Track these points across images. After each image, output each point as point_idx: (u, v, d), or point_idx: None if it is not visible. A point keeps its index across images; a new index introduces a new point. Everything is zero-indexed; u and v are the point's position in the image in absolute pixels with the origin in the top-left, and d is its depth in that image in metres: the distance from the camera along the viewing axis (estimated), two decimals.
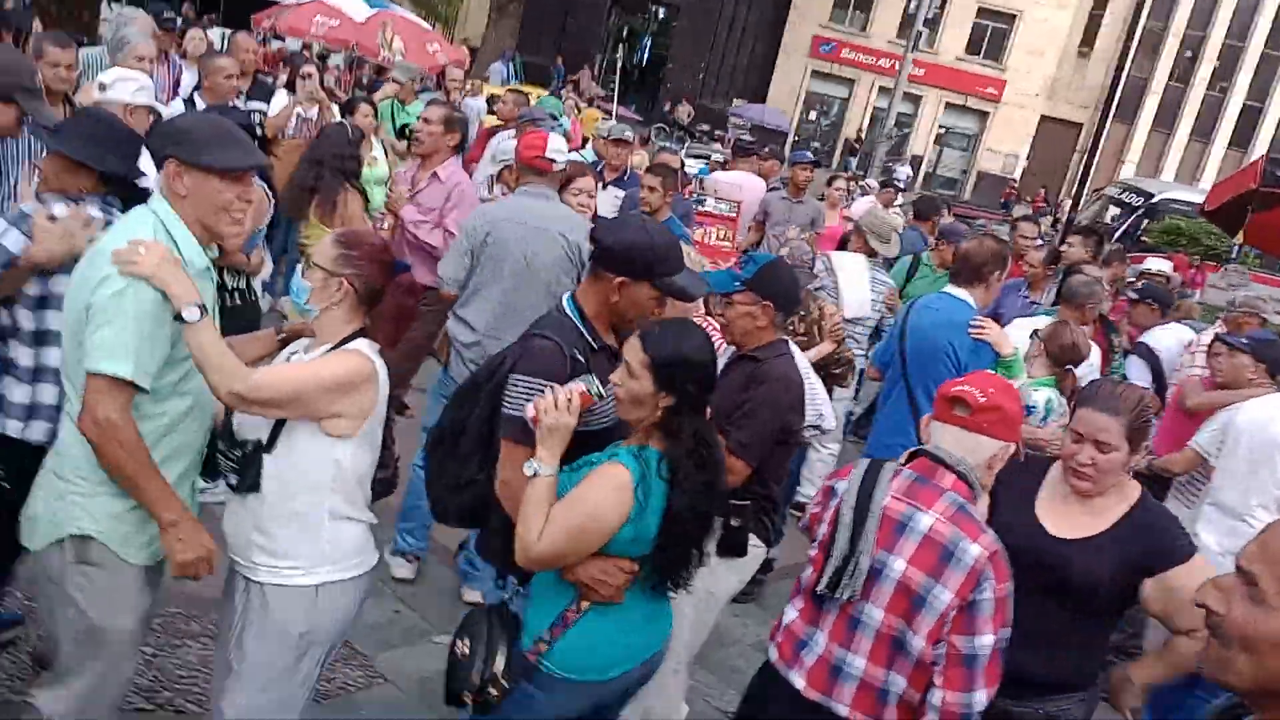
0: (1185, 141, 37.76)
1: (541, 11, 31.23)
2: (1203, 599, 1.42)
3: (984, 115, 35.54)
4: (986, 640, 2.35)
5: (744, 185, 8.53)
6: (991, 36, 34.59)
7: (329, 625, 2.59)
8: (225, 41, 9.83)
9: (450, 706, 2.56)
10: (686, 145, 20.04)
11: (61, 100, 4.93)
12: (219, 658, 2.70)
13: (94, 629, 2.51)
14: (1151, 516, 2.73)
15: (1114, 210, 20.13)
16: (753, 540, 3.34)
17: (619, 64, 21.99)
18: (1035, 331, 4.61)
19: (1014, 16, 34.14)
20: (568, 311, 2.74)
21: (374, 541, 2.71)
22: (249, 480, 2.48)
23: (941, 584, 2.37)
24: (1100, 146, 28.59)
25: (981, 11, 34.16)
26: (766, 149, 10.35)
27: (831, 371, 4.99)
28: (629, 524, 2.34)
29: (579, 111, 14.76)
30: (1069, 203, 18.59)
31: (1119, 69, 16.18)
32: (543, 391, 2.42)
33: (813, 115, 35.68)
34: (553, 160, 4.22)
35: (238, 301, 4.48)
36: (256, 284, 4.71)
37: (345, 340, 2.54)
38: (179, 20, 8.27)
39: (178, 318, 2.32)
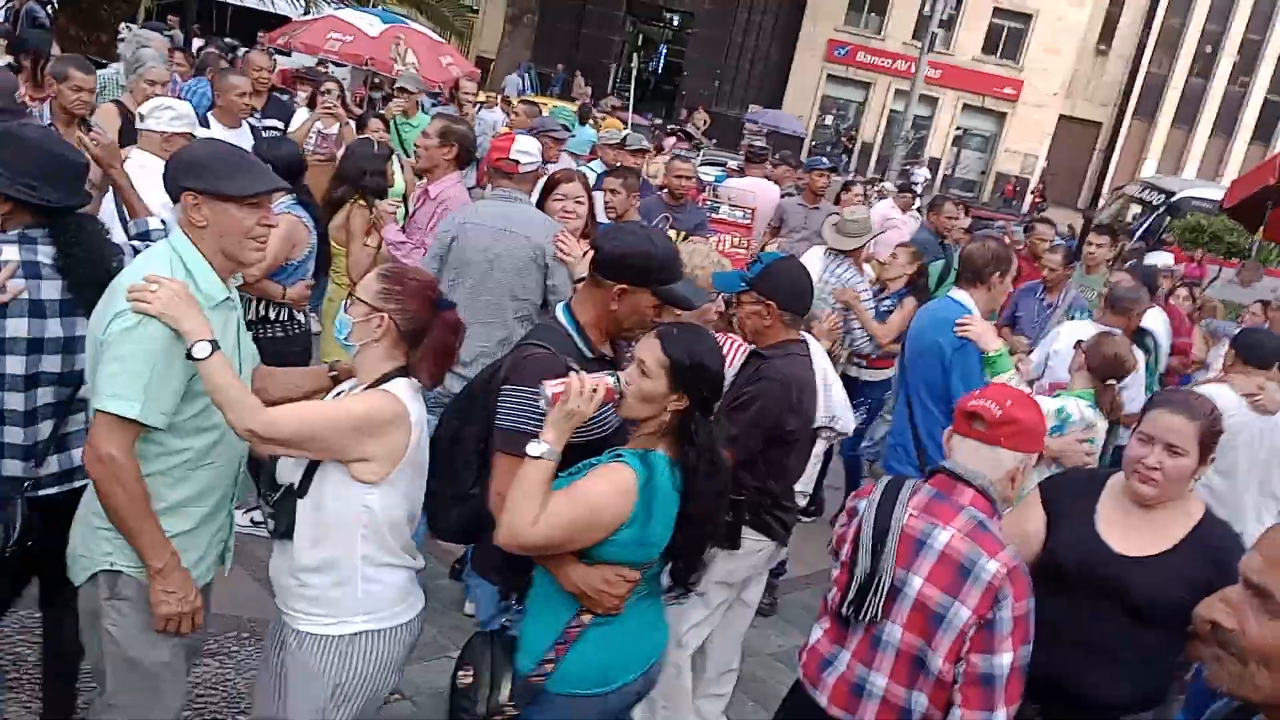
0: (1206, 138, 37.43)
1: (556, 22, 31.36)
2: (1210, 615, 1.39)
3: (1002, 116, 35.33)
4: (1005, 659, 2.32)
5: (757, 192, 8.52)
6: (1008, 36, 34.39)
7: (366, 677, 2.49)
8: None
9: None
10: (701, 152, 19.99)
11: (78, 122, 5.00)
12: (260, 700, 2.67)
13: (131, 661, 2.51)
14: (1218, 534, 2.66)
15: (1135, 209, 19.97)
16: (754, 535, 3.38)
17: (634, 73, 22.02)
18: (1079, 341, 4.50)
19: (1030, 16, 33.93)
20: (562, 320, 2.72)
21: (419, 587, 2.62)
22: (282, 525, 2.44)
23: (959, 601, 2.35)
24: (1120, 145, 28.45)
25: (998, 11, 33.98)
26: (777, 156, 10.32)
27: None
28: (629, 527, 2.31)
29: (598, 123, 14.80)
30: (1083, 196, 18.45)
31: (1136, 66, 16.06)
32: (535, 402, 2.38)
33: (829, 120, 35.58)
34: (517, 161, 4.20)
35: (278, 334, 4.50)
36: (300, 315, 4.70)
37: (383, 379, 2.46)
38: (183, 39, 8.32)
39: (189, 354, 2.29)
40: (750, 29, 33.68)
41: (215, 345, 2.30)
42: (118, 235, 3.30)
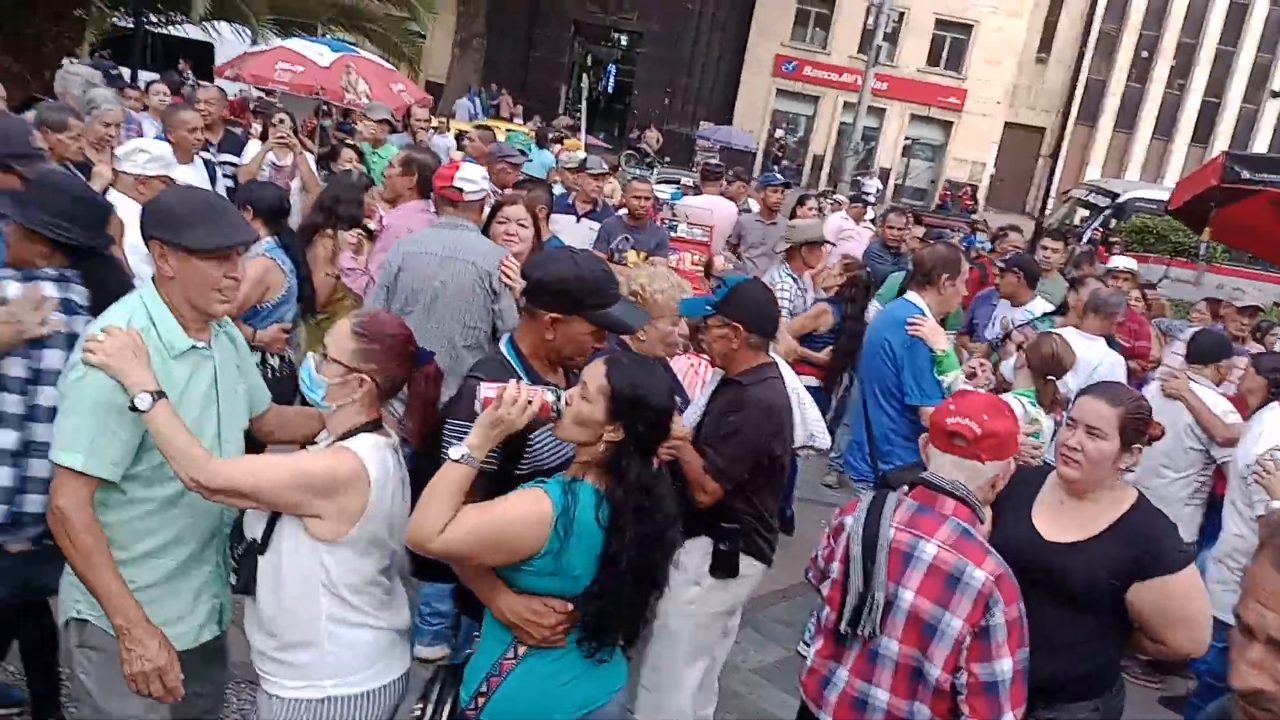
0: (1148, 140, 38.26)
1: (504, 46, 31.37)
2: (1247, 684, 1.35)
3: (948, 125, 35.88)
4: (1005, 665, 2.36)
5: (715, 209, 8.59)
6: (951, 47, 34.97)
7: None
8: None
9: None
10: (656, 171, 20.11)
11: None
12: None
13: (99, 710, 2.46)
14: (1145, 522, 2.72)
15: (1082, 212, 20.36)
16: (749, 561, 3.36)
17: (584, 93, 22.10)
18: (1020, 344, 4.66)
19: (971, 26, 34.55)
20: (504, 353, 2.68)
21: (405, 647, 2.52)
22: (243, 580, 2.37)
23: (951, 612, 2.39)
24: (1064, 150, 29.00)
25: (939, 23, 34.55)
26: (731, 173, 10.42)
27: None
28: (542, 557, 2.23)
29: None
30: (1030, 201, 18.76)
31: (1076, 73, 16.41)
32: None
33: (779, 134, 35.93)
34: (460, 189, 4.19)
35: (268, 375, 4.41)
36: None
37: (350, 433, 2.36)
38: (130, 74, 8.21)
39: (131, 405, 2.23)
40: (699, 47, 33.93)
41: (159, 396, 2.24)
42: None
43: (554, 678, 2.35)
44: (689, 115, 33.50)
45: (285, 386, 4.48)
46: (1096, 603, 2.67)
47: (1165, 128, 38.13)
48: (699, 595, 3.35)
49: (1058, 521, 2.77)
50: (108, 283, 2.81)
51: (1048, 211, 23.90)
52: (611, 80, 35.10)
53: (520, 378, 2.44)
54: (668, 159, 26.85)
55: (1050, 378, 4.48)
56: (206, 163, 6.22)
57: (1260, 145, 36.69)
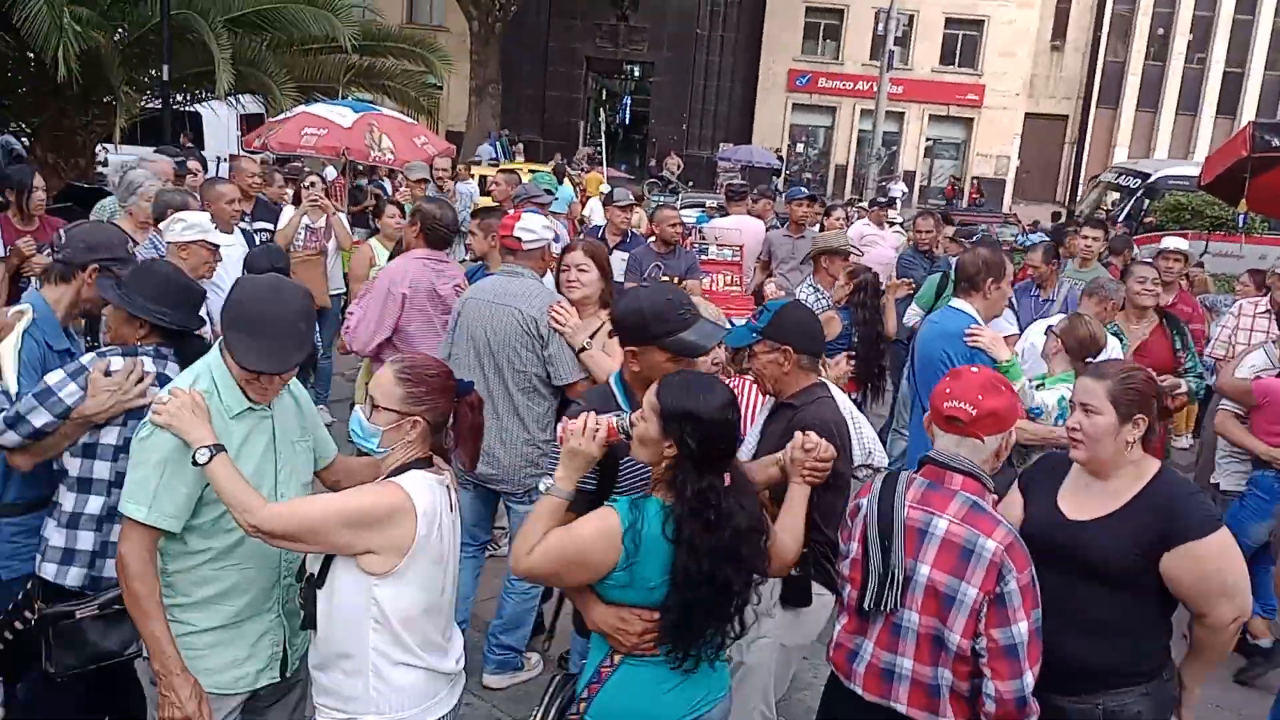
0: (1172, 118, 37.77)
1: (519, 89, 31.79)
2: None
3: (969, 122, 35.70)
4: (1023, 627, 2.49)
5: (743, 229, 8.62)
6: (964, 44, 34.87)
7: None
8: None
9: None
10: (681, 197, 20.21)
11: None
12: None
13: None
14: (1168, 491, 2.71)
15: (1113, 195, 20.13)
16: (818, 589, 3.27)
17: (602, 127, 22.33)
18: (1049, 328, 4.61)
19: (982, 22, 34.44)
20: (610, 383, 2.97)
21: (450, 690, 2.59)
22: (306, 616, 2.49)
23: (967, 582, 2.51)
24: (1088, 135, 28.77)
25: (949, 21, 34.49)
26: (755, 190, 10.45)
27: None
28: (618, 570, 2.38)
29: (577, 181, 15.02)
30: (1059, 189, 18.56)
31: (1094, 57, 16.30)
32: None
33: (800, 147, 35.96)
34: (519, 239, 4.26)
35: None
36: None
37: (399, 470, 2.47)
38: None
39: (194, 460, 2.42)
40: (711, 70, 34.14)
41: (217, 449, 2.42)
42: None
43: (655, 684, 2.48)
44: (708, 139, 33.67)
45: None
46: (1129, 579, 2.66)
47: (1189, 103, 37.63)
48: (771, 628, 3.28)
49: (1082, 501, 2.79)
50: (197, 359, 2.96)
51: (1078, 198, 23.66)
52: (627, 112, 35.37)
53: (621, 407, 2.72)
54: (690, 183, 26.97)
55: (1088, 359, 4.43)
56: (244, 232, 6.37)
57: None
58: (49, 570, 2.96)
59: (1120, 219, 16.76)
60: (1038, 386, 4.38)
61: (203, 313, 3.53)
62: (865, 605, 2.65)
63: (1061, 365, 4.42)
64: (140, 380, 2.92)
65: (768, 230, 8.73)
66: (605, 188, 9.20)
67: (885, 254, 8.89)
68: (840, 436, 3.17)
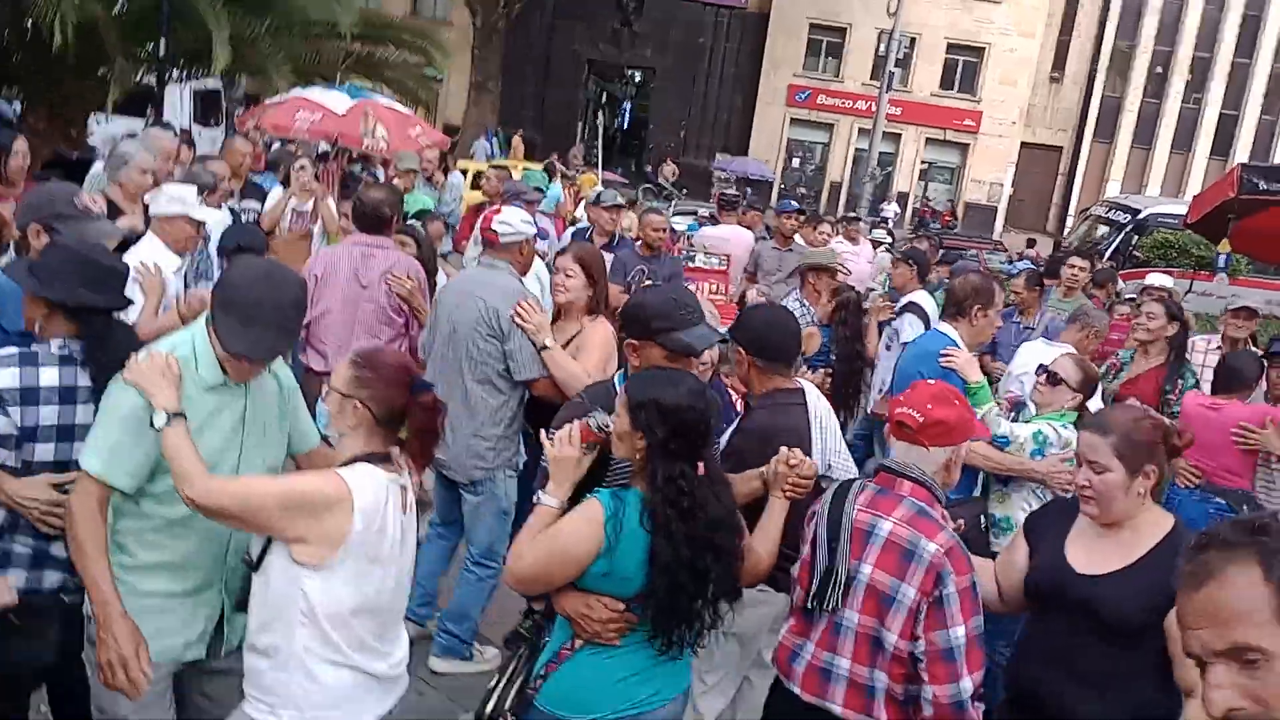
0: (1166, 156, 38.08)
1: (520, 87, 31.77)
2: (1228, 704, 1.35)
3: (964, 147, 35.89)
4: (960, 632, 2.50)
5: (731, 238, 8.66)
6: (964, 70, 35.04)
7: None
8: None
9: None
10: (674, 204, 20.23)
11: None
12: None
13: (100, 708, 2.57)
14: (1183, 546, 2.65)
15: (1102, 229, 20.23)
16: (760, 587, 3.25)
17: (600, 130, 22.32)
18: (1041, 365, 4.50)
19: (983, 49, 34.63)
20: (615, 380, 3.07)
21: (384, 692, 2.51)
22: (237, 599, 2.48)
23: (906, 582, 2.54)
24: (1082, 168, 28.88)
25: (951, 47, 34.66)
26: (745, 201, 10.54)
27: None
28: (600, 559, 2.42)
29: (571, 180, 14.99)
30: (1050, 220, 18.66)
31: (1090, 91, 16.41)
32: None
33: (795, 162, 36.07)
34: (496, 232, 4.30)
35: None
36: None
37: (350, 462, 2.42)
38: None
39: (151, 422, 2.38)
40: (711, 80, 34.26)
41: (176, 416, 2.37)
42: None
43: (606, 674, 2.52)
44: (705, 148, 33.75)
45: None
46: (1141, 636, 2.56)
47: (1183, 142, 37.96)
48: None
49: (1093, 553, 2.71)
50: (113, 343, 2.73)
51: (1067, 230, 23.79)
52: (627, 117, 35.43)
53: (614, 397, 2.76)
54: (685, 191, 27.01)
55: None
56: (232, 210, 6.34)
57: None
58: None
59: (1107, 254, 16.84)
60: (1026, 420, 4.34)
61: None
62: (809, 604, 2.69)
63: (1053, 401, 4.29)
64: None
65: (756, 242, 8.77)
66: (599, 189, 9.19)
67: (861, 268, 9.00)
68: (776, 443, 3.08)
